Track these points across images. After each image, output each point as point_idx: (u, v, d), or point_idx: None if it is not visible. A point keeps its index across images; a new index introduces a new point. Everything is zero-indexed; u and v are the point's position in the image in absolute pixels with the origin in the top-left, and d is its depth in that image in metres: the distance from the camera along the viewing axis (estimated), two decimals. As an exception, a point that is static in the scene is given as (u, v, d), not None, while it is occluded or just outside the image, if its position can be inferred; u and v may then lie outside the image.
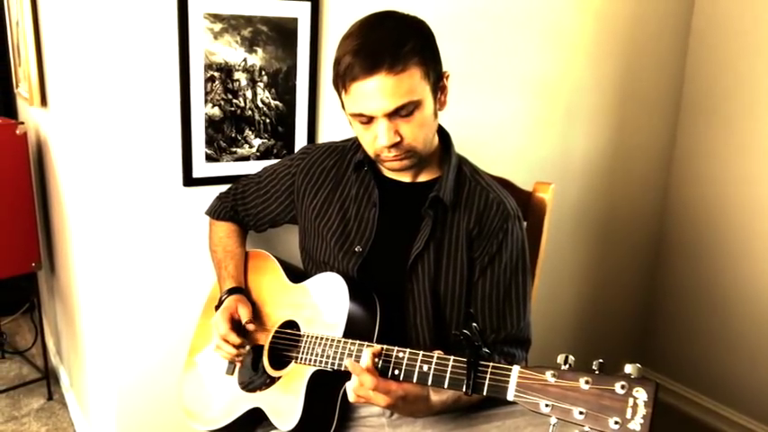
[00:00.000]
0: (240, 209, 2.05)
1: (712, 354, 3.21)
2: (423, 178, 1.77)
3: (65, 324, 3.10)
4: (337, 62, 1.59)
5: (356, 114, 1.60)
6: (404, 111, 1.55)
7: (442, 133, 1.80)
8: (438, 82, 1.63)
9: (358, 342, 1.56)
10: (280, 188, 1.97)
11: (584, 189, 3.05)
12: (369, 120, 1.58)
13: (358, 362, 1.47)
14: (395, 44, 1.52)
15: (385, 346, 1.49)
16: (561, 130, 2.89)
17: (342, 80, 1.58)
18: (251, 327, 1.79)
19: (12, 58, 3.47)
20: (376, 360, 1.46)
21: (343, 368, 1.56)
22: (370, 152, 1.68)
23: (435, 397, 1.52)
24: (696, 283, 3.24)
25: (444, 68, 1.66)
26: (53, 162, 2.80)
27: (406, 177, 1.77)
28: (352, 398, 1.45)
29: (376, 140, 1.60)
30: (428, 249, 1.71)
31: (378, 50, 1.52)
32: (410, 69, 1.53)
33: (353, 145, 1.87)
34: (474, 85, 2.59)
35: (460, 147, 1.85)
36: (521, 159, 2.80)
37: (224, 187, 2.12)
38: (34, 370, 3.45)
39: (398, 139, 1.59)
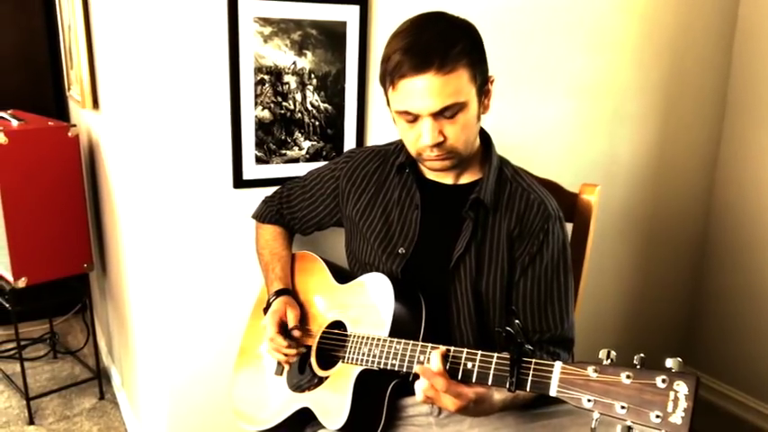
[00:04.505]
0: (286, 212, 2.07)
1: (756, 352, 3.17)
2: (464, 180, 1.78)
3: (116, 324, 3.15)
4: (386, 59, 1.60)
5: (402, 112, 1.60)
6: (449, 112, 1.56)
7: (484, 135, 1.80)
8: (484, 85, 1.64)
9: (404, 341, 1.57)
10: (325, 192, 1.99)
11: (629, 190, 3.03)
12: (414, 118, 1.59)
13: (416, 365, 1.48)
14: (445, 45, 1.52)
15: (441, 346, 1.49)
16: (607, 132, 2.88)
17: (390, 77, 1.59)
18: (297, 333, 1.81)
19: (64, 62, 3.53)
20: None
21: (390, 368, 1.57)
22: (413, 151, 1.68)
23: (498, 396, 1.50)
24: (740, 284, 3.21)
25: (490, 72, 1.67)
26: (105, 164, 2.84)
27: (447, 179, 1.78)
28: (420, 397, 1.42)
29: (419, 139, 1.61)
30: (469, 251, 1.71)
31: (428, 50, 1.52)
32: (458, 71, 1.53)
33: (396, 148, 1.88)
34: (521, 88, 2.59)
35: (507, 148, 1.85)
36: (567, 161, 2.80)
37: (273, 189, 2.14)
38: (86, 370, 3.51)
39: (441, 139, 1.59)
